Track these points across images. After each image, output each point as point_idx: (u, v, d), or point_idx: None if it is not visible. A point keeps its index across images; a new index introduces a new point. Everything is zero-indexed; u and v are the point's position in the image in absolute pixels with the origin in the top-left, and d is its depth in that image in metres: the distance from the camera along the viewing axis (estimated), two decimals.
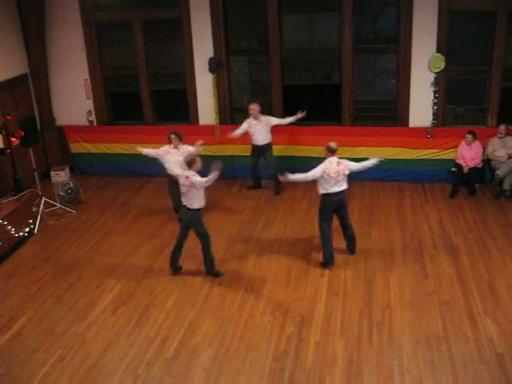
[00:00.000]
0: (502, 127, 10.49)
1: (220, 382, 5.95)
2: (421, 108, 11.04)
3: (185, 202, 7.69)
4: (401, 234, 9.07)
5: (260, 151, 10.66)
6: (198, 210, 7.71)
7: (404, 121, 11.18)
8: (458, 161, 10.61)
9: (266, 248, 8.79)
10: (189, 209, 7.68)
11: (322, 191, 7.96)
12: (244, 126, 10.53)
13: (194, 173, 7.58)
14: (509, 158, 10.34)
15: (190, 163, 7.63)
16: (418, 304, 7.14)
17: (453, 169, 10.70)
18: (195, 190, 7.54)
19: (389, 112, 11.37)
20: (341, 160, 8.01)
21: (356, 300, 7.28)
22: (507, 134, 10.50)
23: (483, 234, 8.91)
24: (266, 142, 10.58)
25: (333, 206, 8.00)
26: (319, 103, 11.66)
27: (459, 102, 11.27)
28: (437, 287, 7.51)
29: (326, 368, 6.05)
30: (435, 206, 10.08)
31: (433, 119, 11.05)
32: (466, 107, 11.35)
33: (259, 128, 10.49)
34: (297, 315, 7.00)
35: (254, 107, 10.47)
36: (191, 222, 7.79)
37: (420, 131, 10.94)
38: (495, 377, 5.82)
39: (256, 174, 10.98)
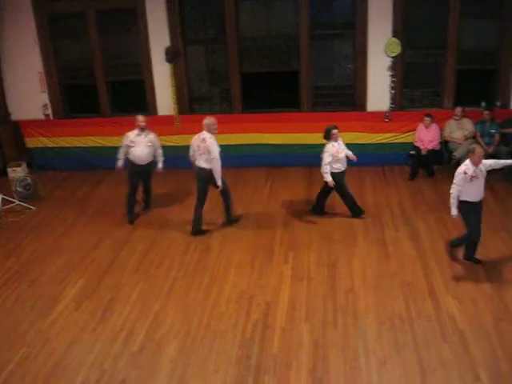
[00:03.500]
0: (458, 109, 10.69)
1: (187, 372, 5.93)
2: (378, 92, 11.17)
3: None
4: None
5: None
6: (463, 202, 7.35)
7: (362, 105, 11.29)
8: (416, 143, 10.77)
9: (229, 236, 8.80)
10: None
11: None
12: None
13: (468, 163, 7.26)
14: (465, 139, 10.55)
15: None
16: (380, 286, 7.24)
17: (411, 151, 10.87)
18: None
19: (347, 97, 11.48)
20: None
21: (320, 285, 7.34)
22: (463, 116, 10.70)
23: (442, 214, 9.03)
24: None
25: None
26: (278, 90, 11.65)
27: (416, 86, 11.44)
28: (399, 268, 7.63)
29: (292, 353, 6.09)
30: (395, 188, 10.23)
31: (391, 103, 11.18)
32: (423, 90, 11.51)
33: None
34: (262, 302, 7.02)
35: None
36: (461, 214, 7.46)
37: (378, 115, 11.08)
38: (458, 354, 5.93)
39: None
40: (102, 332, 6.67)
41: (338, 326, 6.49)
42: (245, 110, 11.61)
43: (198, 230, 8.90)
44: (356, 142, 11.07)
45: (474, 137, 10.57)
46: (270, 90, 11.63)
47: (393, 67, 11.01)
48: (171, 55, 11.27)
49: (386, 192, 10.03)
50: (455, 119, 10.71)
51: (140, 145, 9.14)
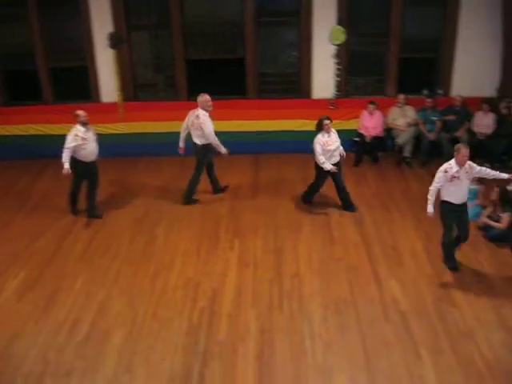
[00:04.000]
0: (401, 97, 10.91)
1: (133, 361, 5.88)
2: (323, 80, 11.25)
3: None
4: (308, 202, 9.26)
5: None
6: (443, 202, 7.10)
7: (307, 93, 11.36)
8: (360, 130, 10.93)
9: (174, 224, 8.74)
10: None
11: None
12: None
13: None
14: (408, 126, 10.77)
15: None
16: (326, 270, 7.35)
17: (356, 138, 11.01)
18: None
19: (292, 84, 11.52)
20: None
21: (266, 270, 7.39)
22: (406, 104, 10.92)
23: (386, 200, 9.26)
24: None
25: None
26: (224, 77, 11.60)
27: (360, 74, 11.59)
28: (344, 253, 7.76)
29: (239, 339, 6.12)
30: None
31: (336, 91, 11.28)
32: (367, 78, 11.68)
33: None
34: (208, 289, 7.02)
35: None
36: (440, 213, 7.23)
37: (323, 103, 11.16)
38: (400, 334, 6.10)
39: None
40: (45, 323, 6.54)
41: (283, 310, 6.56)
42: (190, 97, 11.50)
43: (187, 200, 9.32)
44: (301, 129, 11.19)
45: (417, 124, 10.80)
46: (216, 76, 11.56)
47: (337, 55, 11.11)
48: (114, 41, 11.06)
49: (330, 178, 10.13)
50: (398, 106, 10.92)
51: (91, 140, 8.69)
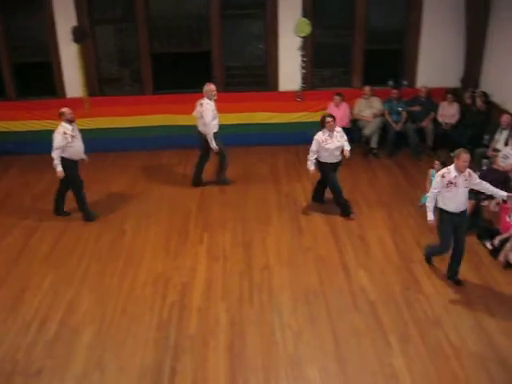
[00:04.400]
0: (367, 88, 10.99)
1: (104, 358, 5.84)
2: (290, 72, 11.28)
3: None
4: (276, 195, 9.34)
5: None
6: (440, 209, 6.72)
7: (274, 85, 11.37)
8: None
9: (142, 220, 8.68)
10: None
11: None
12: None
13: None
14: (374, 117, 10.86)
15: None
16: (295, 261, 7.40)
17: None
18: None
19: (259, 77, 11.52)
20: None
21: (236, 263, 7.41)
22: (372, 95, 11.02)
23: (353, 191, 9.33)
24: None
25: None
26: (190, 71, 11.53)
27: (326, 65, 11.65)
28: (312, 244, 7.81)
29: (210, 332, 6.13)
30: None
31: (302, 83, 11.32)
32: (333, 70, 11.75)
33: None
34: (178, 284, 7.01)
35: None
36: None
37: (290, 95, 11.20)
38: (369, 323, 6.18)
39: None
40: (13, 323, 6.44)
41: (254, 303, 6.59)
42: (156, 91, 11.44)
43: (196, 182, 9.68)
44: (269, 121, 11.22)
45: (383, 115, 10.90)
46: (182, 70, 11.49)
47: (303, 47, 11.14)
48: (78, 35, 10.89)
49: (298, 170, 10.17)
50: (364, 98, 11.01)
51: (78, 138, 8.37)
